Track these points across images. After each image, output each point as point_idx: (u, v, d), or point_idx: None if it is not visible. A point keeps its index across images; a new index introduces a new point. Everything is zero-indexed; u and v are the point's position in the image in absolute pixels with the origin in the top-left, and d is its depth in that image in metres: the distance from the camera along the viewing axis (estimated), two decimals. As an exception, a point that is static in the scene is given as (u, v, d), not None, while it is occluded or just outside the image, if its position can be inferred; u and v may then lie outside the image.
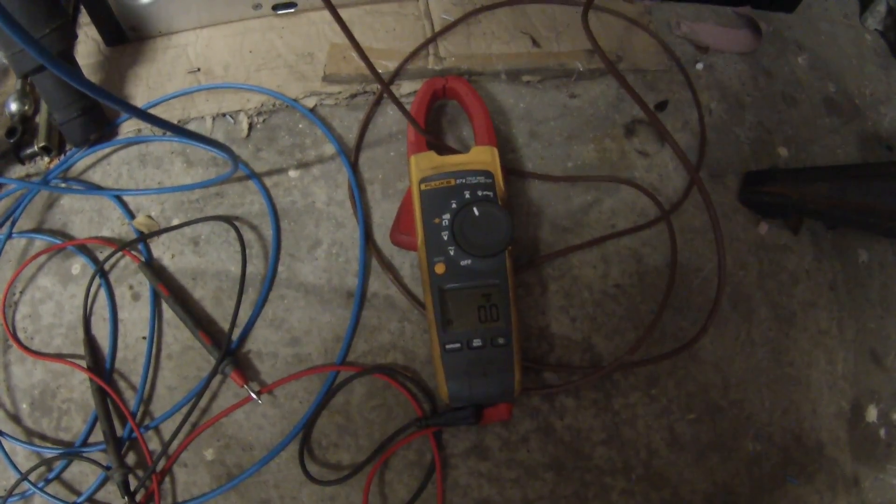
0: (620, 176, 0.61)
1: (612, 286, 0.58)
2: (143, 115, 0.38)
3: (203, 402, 0.53)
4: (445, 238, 0.51)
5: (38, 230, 0.60)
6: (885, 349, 0.64)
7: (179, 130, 0.43)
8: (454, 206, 0.52)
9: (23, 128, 0.64)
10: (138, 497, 0.51)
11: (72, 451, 0.53)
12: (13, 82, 0.66)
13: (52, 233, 0.60)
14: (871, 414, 0.63)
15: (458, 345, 0.49)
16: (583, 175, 0.61)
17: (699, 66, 0.68)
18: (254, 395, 0.52)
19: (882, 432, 0.62)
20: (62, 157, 0.63)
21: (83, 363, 0.55)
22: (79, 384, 0.55)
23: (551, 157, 0.62)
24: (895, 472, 0.61)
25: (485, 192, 0.52)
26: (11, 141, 0.63)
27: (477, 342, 0.49)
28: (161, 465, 0.52)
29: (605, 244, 0.59)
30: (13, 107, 0.64)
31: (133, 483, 0.51)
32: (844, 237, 0.66)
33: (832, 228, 0.66)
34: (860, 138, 0.73)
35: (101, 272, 0.58)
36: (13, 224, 0.60)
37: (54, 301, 0.58)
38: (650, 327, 0.55)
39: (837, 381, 0.62)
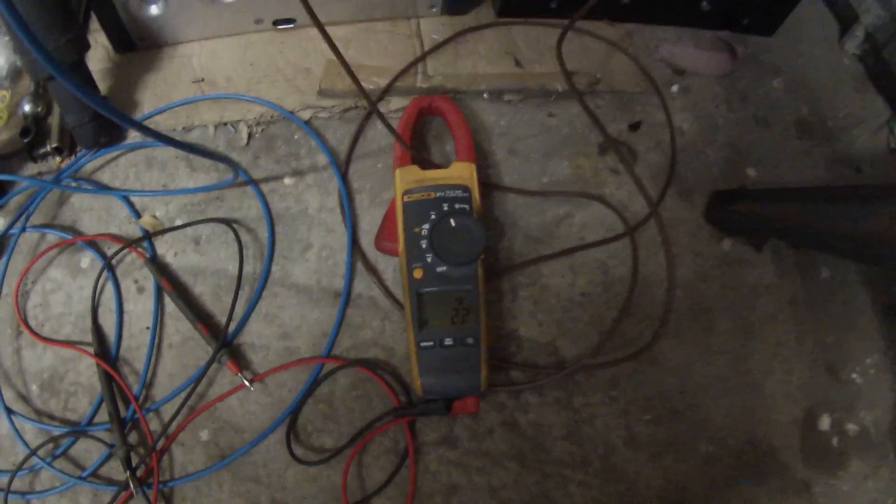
0: (591, 192, 0.71)
1: (579, 294, 0.68)
2: (152, 133, 0.48)
3: (200, 388, 0.63)
4: (424, 246, 0.61)
5: (50, 225, 0.70)
6: (842, 363, 0.73)
7: (187, 147, 0.52)
8: (433, 217, 0.61)
9: (36, 128, 0.74)
10: (139, 473, 0.60)
11: (78, 430, 0.63)
12: (26, 83, 0.76)
13: (63, 228, 0.70)
14: (825, 423, 0.72)
15: (431, 343, 0.59)
16: (556, 190, 0.70)
17: (674, 88, 0.77)
18: (247, 383, 0.62)
19: (834, 441, 0.71)
20: (73, 157, 0.73)
21: (91, 349, 0.65)
22: (85, 369, 0.65)
23: (528, 172, 0.72)
24: (846, 479, 0.70)
25: (461, 206, 0.62)
26: (25, 140, 0.73)
27: (448, 341, 0.59)
28: (160, 444, 0.61)
29: (573, 255, 0.69)
30: (27, 108, 0.74)
31: (134, 460, 0.61)
32: (807, 255, 0.75)
33: (796, 247, 0.76)
34: (830, 160, 0.82)
35: (109, 266, 0.68)
36: (27, 219, 0.70)
37: (64, 292, 0.68)
38: (609, 332, 0.64)
39: (793, 390, 0.71)
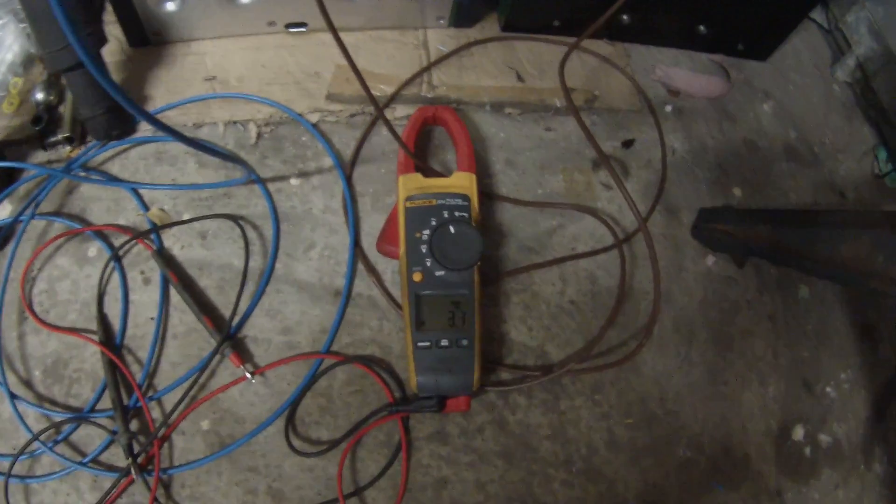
0: (584, 205, 0.75)
1: (568, 302, 0.72)
2: (170, 131, 0.51)
3: (202, 379, 0.66)
4: (424, 251, 0.64)
5: (59, 214, 0.73)
6: (817, 378, 0.79)
7: (203, 147, 0.56)
8: (434, 223, 0.65)
9: (48, 116, 0.77)
10: (140, 459, 0.64)
11: (81, 416, 0.66)
12: (39, 70, 0.79)
13: (72, 217, 0.73)
14: (798, 433, 0.77)
15: (428, 343, 0.63)
16: (550, 202, 0.75)
17: (668, 108, 0.82)
18: (248, 375, 0.65)
19: (807, 451, 0.76)
20: (83, 147, 0.76)
21: (95, 337, 0.68)
22: (90, 356, 0.68)
23: (524, 183, 0.76)
24: (817, 487, 0.75)
25: (461, 214, 0.66)
26: (37, 128, 0.76)
27: (444, 342, 0.63)
28: (162, 432, 0.65)
29: (564, 265, 0.73)
30: (39, 96, 0.77)
31: (136, 447, 0.64)
32: (788, 274, 0.80)
33: (777, 266, 0.81)
34: (815, 184, 0.87)
35: (116, 257, 0.71)
36: (36, 206, 0.73)
37: (70, 280, 0.71)
38: (595, 339, 0.69)
39: (768, 402, 0.76)
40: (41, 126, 0.75)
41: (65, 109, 0.76)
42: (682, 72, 0.85)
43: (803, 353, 0.78)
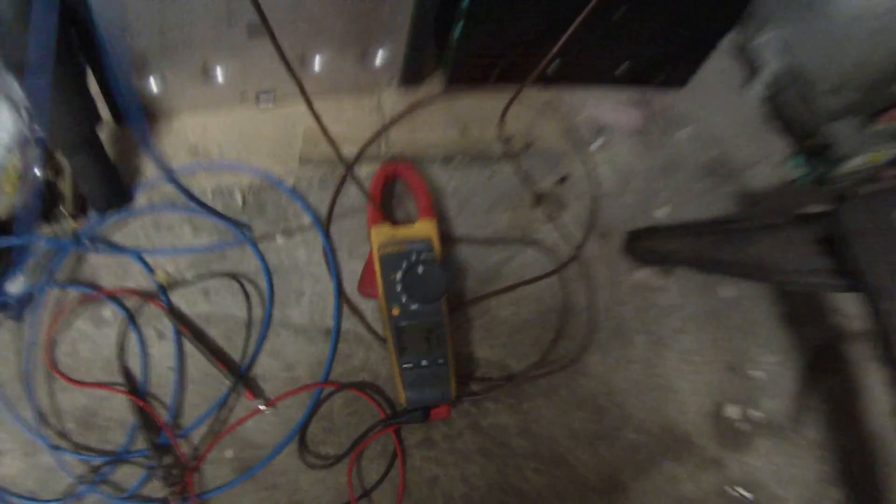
0: (527, 238, 1.01)
1: (522, 321, 0.98)
2: (192, 198, 0.76)
3: (222, 415, 0.89)
4: (399, 289, 0.88)
5: (73, 282, 0.95)
6: (746, 363, 1.05)
7: (215, 212, 0.81)
8: (405, 265, 0.89)
9: (49, 192, 0.98)
10: (176, 489, 0.88)
11: (118, 458, 0.88)
12: (34, 149, 1.00)
13: (84, 284, 0.95)
14: (732, 412, 1.02)
15: (410, 364, 0.86)
16: (499, 238, 1.01)
17: (596, 144, 1.10)
18: (262, 408, 0.89)
19: (742, 426, 1.01)
20: (85, 219, 0.98)
21: (122, 388, 0.91)
22: (117, 405, 0.89)
23: (475, 224, 1.01)
24: (755, 455, 0.99)
25: (427, 255, 0.90)
26: (39, 204, 0.98)
27: (424, 362, 0.86)
28: (192, 463, 0.89)
29: (516, 290, 0.98)
30: (38, 172, 0.98)
31: (170, 478, 0.88)
32: (710, 278, 1.09)
33: (699, 272, 1.09)
34: (734, 196, 1.14)
35: (131, 318, 0.94)
36: (51, 276, 0.96)
37: (91, 341, 0.93)
38: (548, 350, 0.96)
39: (701, 388, 1.03)
40: (42, 201, 0.97)
41: (64, 185, 0.97)
42: (607, 108, 1.12)
43: (731, 344, 1.05)
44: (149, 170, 1.00)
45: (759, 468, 1.01)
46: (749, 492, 0.99)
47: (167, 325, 0.93)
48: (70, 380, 0.90)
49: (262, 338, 0.93)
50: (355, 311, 0.95)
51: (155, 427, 0.89)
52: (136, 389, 0.91)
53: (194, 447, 0.88)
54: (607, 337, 1.00)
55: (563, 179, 1.06)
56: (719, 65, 1.23)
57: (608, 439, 0.96)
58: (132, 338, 0.93)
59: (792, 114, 1.22)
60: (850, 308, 1.10)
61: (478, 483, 0.91)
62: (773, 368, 1.06)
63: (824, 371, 1.07)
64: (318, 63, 0.97)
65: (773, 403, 1.05)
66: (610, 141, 1.11)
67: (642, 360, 1.01)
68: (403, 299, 0.88)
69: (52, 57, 0.74)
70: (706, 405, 1.02)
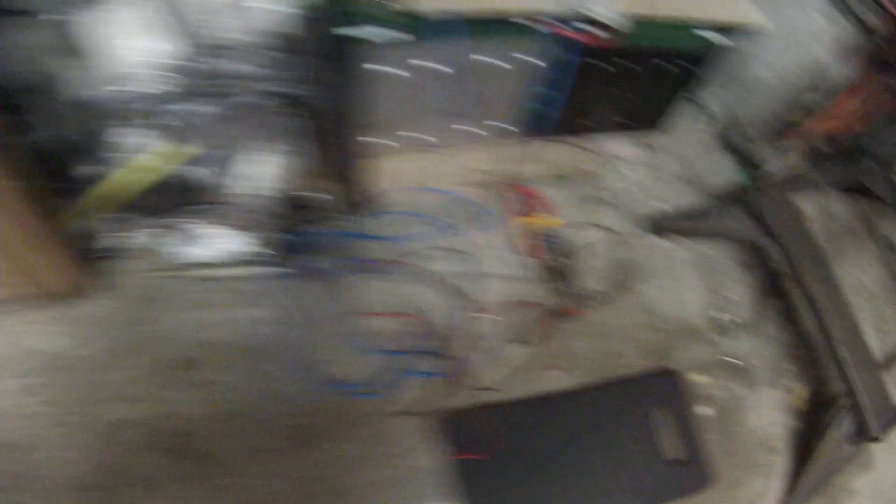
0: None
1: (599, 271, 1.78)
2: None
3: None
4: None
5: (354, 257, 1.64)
6: (721, 289, 1.88)
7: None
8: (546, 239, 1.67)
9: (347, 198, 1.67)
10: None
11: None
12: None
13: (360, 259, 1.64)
14: (718, 315, 1.79)
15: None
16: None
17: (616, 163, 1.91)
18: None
19: (725, 323, 1.79)
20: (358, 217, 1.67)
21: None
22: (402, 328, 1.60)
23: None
24: (734, 340, 1.76)
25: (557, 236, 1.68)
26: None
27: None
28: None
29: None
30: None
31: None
32: (699, 240, 1.91)
33: (692, 238, 1.91)
34: (699, 196, 1.99)
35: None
36: (344, 254, 1.63)
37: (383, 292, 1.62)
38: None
39: (698, 300, 1.84)
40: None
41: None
42: (617, 145, 1.88)
43: (713, 278, 1.83)
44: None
45: (740, 347, 1.78)
46: (736, 360, 1.77)
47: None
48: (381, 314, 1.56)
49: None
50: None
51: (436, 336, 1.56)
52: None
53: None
54: (645, 277, 1.79)
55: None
56: (687, 115, 2.05)
57: (656, 330, 1.73)
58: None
59: (733, 141, 2.07)
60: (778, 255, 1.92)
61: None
62: (740, 291, 1.87)
63: (771, 294, 1.89)
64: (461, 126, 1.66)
65: (744, 312, 1.84)
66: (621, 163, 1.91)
67: (664, 287, 1.80)
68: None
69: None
70: (702, 310, 1.80)
